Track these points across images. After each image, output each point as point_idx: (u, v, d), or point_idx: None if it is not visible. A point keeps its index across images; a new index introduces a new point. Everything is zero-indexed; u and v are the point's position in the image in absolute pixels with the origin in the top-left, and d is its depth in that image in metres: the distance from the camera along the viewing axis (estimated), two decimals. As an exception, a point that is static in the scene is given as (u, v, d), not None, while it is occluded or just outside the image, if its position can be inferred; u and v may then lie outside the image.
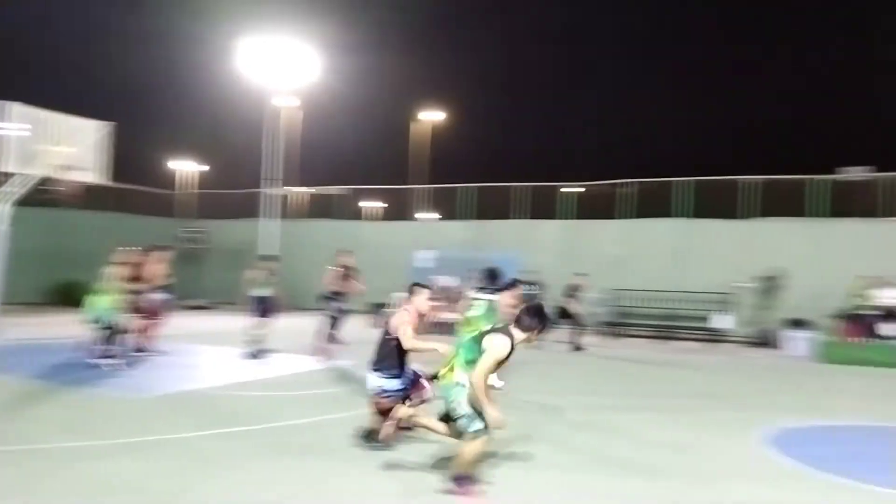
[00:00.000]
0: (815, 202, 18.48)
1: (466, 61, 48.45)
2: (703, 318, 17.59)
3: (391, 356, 6.01)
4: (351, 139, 38.28)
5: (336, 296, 11.68)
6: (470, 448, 4.95)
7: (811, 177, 18.53)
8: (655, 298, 18.31)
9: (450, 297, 18.04)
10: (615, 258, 19.72)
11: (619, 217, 20.76)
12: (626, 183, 20.81)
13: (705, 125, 42.47)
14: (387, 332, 6.09)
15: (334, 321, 11.61)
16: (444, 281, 17.80)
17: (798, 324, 16.46)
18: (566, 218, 21.61)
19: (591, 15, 51.73)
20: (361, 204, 28.79)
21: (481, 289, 8.72)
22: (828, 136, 34.14)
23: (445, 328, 17.02)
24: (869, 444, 7.24)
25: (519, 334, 5.07)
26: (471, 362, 4.97)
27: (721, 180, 19.67)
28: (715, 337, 17.32)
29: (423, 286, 6.40)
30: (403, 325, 5.98)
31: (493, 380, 6.59)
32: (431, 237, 21.54)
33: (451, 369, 5.11)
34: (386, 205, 28.91)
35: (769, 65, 52.40)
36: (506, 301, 8.48)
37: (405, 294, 6.47)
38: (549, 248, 20.53)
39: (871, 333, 14.40)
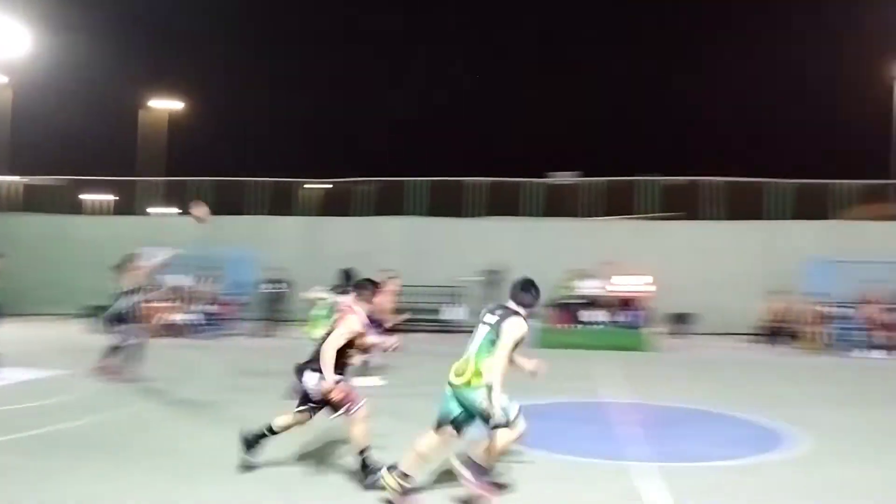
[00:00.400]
0: (530, 203, 20.56)
1: (212, 51, 46.05)
2: (436, 311, 18.65)
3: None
4: (73, 125, 34.42)
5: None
6: (502, 440, 4.82)
7: (527, 180, 20.58)
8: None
9: (182, 297, 17.09)
10: (354, 254, 20.14)
11: (358, 214, 21.27)
12: (366, 181, 21.38)
13: (438, 128, 45.07)
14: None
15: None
16: (176, 280, 16.78)
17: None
18: (308, 214, 21.61)
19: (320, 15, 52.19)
20: (83, 197, 26.06)
21: (334, 288, 8.67)
22: (541, 143, 38.00)
23: (176, 330, 16.22)
24: (571, 419, 8.20)
25: (523, 313, 5.07)
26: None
27: (452, 181, 21.06)
28: (447, 328, 18.40)
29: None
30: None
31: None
32: (163, 233, 20.17)
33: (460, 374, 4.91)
34: (116, 198, 26.48)
35: (497, 76, 57.00)
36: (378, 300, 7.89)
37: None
38: (290, 244, 20.35)
39: (577, 320, 16.36)
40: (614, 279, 16.66)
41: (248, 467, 5.50)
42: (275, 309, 17.43)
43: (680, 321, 18.42)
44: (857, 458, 6.55)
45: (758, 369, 13.09)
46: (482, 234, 20.10)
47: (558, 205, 20.26)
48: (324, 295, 8.91)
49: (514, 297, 5.27)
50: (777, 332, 16.78)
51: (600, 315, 16.58)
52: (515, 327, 4.99)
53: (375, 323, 9.73)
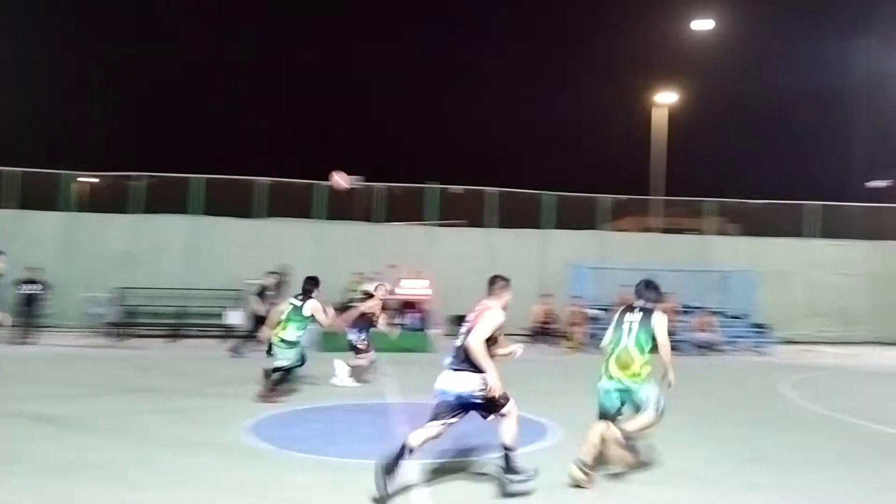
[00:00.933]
0: (317, 205, 20.35)
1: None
2: (218, 315, 17.79)
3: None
4: None
5: None
6: (647, 422, 5.79)
7: (316, 182, 20.34)
8: (167, 296, 17.88)
9: None
10: (125, 255, 18.67)
11: (130, 211, 19.73)
12: (139, 176, 19.86)
13: (220, 124, 43.24)
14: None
15: None
16: None
17: (302, 317, 17.96)
18: (69, 210, 19.64)
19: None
20: None
21: (297, 295, 9.48)
22: (330, 146, 37.94)
23: None
24: (337, 421, 8.17)
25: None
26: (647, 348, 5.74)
27: (237, 179, 20.26)
28: (228, 333, 17.63)
29: None
30: None
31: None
32: None
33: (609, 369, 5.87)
34: None
35: (292, 74, 55.88)
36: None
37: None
38: (48, 242, 18.39)
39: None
40: (398, 282, 17.02)
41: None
42: (30, 313, 15.64)
43: (460, 322, 19.22)
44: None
45: (526, 368, 14.01)
46: (266, 235, 19.56)
47: (346, 207, 20.25)
48: (294, 302, 9.46)
49: (642, 296, 6.16)
50: (542, 333, 18.13)
51: (387, 318, 16.80)
52: (664, 321, 5.88)
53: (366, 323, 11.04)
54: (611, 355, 5.93)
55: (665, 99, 31.95)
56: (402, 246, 19.51)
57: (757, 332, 18.68)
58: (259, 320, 13.33)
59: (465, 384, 5.40)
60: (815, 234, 22.01)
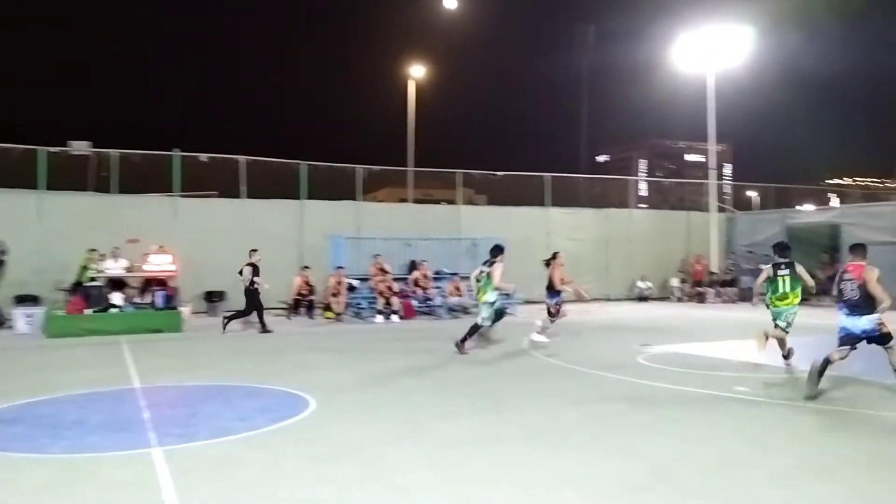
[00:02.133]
0: (39, 174, 17.97)
1: None
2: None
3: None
4: None
5: None
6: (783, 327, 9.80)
7: (42, 148, 17.93)
8: None
9: None
10: None
11: None
12: None
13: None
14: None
15: None
16: None
17: (25, 300, 15.86)
18: None
19: None
20: None
21: (485, 262, 11.67)
22: (57, 109, 33.91)
23: None
24: (67, 413, 7.30)
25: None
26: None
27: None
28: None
29: None
30: None
31: None
32: None
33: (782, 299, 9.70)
34: None
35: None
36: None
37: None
38: None
39: (102, 303, 14.88)
40: (143, 258, 15.72)
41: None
42: None
43: (212, 299, 18.32)
44: (357, 416, 7.25)
45: (285, 340, 13.72)
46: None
47: (73, 178, 18.09)
48: (484, 268, 11.55)
49: (781, 254, 9.90)
50: (300, 304, 17.88)
51: (126, 297, 15.49)
52: (802, 268, 9.74)
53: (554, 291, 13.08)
54: (774, 293, 9.71)
55: (418, 73, 32.97)
56: (144, 219, 17.99)
57: (503, 294, 20.06)
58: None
59: (867, 323, 7.79)
60: (551, 203, 24.08)
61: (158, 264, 15.72)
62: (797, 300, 9.66)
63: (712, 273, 24.22)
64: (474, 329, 11.50)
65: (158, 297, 15.33)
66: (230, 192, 19.73)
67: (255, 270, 14.97)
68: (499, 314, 11.74)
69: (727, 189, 32.82)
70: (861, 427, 6.55)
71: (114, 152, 18.22)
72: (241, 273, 15.05)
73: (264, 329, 14.77)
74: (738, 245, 25.15)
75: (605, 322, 17.38)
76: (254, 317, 14.99)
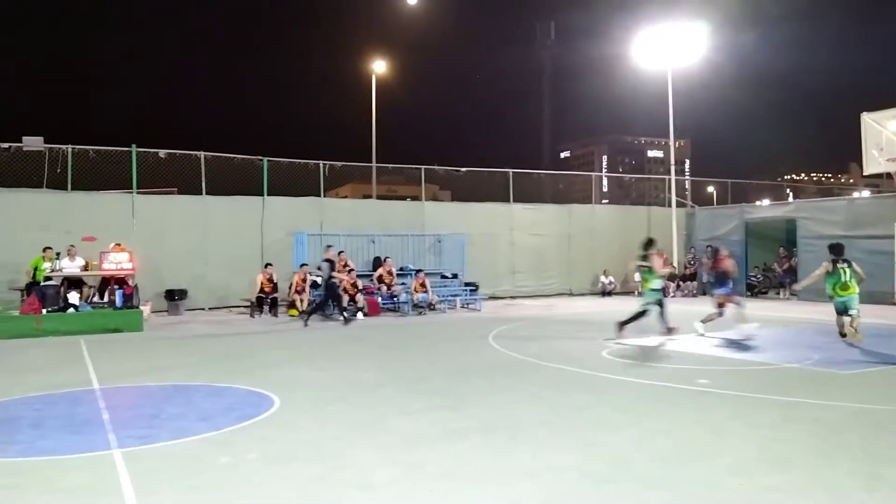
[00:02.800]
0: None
1: None
2: None
3: None
4: None
5: None
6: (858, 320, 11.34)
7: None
8: None
9: None
10: None
11: None
12: None
13: None
14: None
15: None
16: None
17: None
18: None
19: None
20: None
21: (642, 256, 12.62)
22: (5, 106, 33.00)
23: None
24: (21, 416, 7.15)
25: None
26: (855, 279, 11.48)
27: None
28: None
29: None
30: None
31: None
32: None
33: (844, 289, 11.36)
34: None
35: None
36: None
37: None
38: None
39: (58, 303, 14.51)
40: (101, 257, 15.39)
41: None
42: None
43: (173, 297, 18.03)
44: (321, 413, 7.21)
45: (250, 339, 13.57)
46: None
47: (22, 174, 17.55)
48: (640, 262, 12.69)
49: (839, 253, 11.59)
50: (263, 302, 17.68)
51: (84, 296, 15.18)
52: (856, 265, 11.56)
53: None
54: (836, 284, 11.41)
55: (380, 69, 32.85)
56: (100, 216, 17.61)
57: (468, 289, 20.14)
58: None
59: None
60: (514, 199, 24.17)
61: (116, 263, 15.41)
62: (856, 290, 11.43)
63: (673, 267, 24.59)
64: (639, 315, 12.66)
65: (117, 296, 15.03)
66: (190, 188, 19.40)
67: (332, 265, 16.26)
68: (658, 302, 12.69)
69: (687, 184, 33.36)
70: (818, 416, 6.72)
71: (68, 148, 17.77)
72: (319, 269, 16.55)
73: (346, 320, 15.84)
74: (698, 239, 25.57)
75: (568, 316, 17.53)
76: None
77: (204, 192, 19.25)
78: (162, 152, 18.77)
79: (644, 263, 12.71)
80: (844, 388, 8.16)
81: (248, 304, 17.92)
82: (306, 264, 18.08)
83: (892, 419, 6.61)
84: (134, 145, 18.34)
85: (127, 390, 8.53)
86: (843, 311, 11.52)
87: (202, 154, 19.25)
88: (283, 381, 8.69)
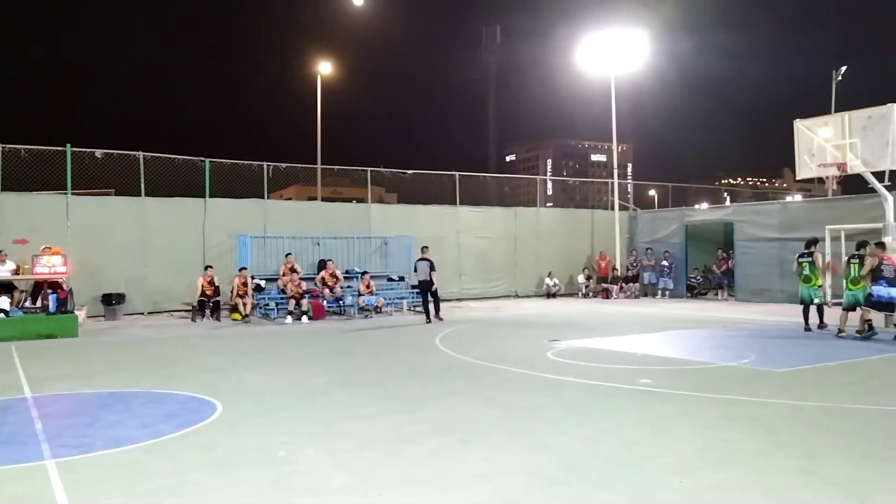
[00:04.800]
0: None
1: None
2: None
3: None
4: None
5: None
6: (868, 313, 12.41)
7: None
8: None
9: None
10: None
11: None
12: None
13: None
14: None
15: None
16: None
17: None
18: None
19: None
20: None
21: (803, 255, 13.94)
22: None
23: None
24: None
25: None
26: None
27: None
28: None
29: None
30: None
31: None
32: None
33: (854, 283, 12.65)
34: None
35: None
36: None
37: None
38: None
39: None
40: (33, 260, 14.82)
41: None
42: None
43: (110, 302, 17.48)
44: (267, 418, 7.09)
45: (191, 343, 13.25)
46: None
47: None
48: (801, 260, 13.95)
49: (859, 249, 12.85)
50: (205, 306, 17.29)
51: (14, 301, 14.59)
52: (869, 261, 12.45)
53: None
54: (849, 278, 12.68)
55: (326, 70, 32.57)
56: (32, 218, 16.94)
57: (415, 292, 20.07)
58: None
59: None
60: (460, 201, 24.24)
61: (49, 266, 14.86)
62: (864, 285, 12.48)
63: (615, 269, 25.05)
64: (821, 310, 13.87)
65: (50, 300, 14.48)
66: (128, 189, 18.82)
67: (432, 265, 16.84)
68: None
69: (629, 188, 34.03)
70: (756, 414, 6.92)
71: (12, 147, 17.04)
72: (415, 270, 17.34)
73: (435, 316, 16.80)
74: (640, 242, 26.11)
75: (514, 318, 17.67)
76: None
77: (143, 193, 18.72)
78: (98, 152, 18.18)
79: (804, 260, 13.85)
80: (780, 386, 8.43)
81: (190, 308, 17.50)
82: (245, 268, 17.78)
83: (824, 415, 6.87)
84: (69, 144, 17.73)
85: (61, 398, 8.22)
86: (853, 306, 12.36)
87: (141, 154, 18.72)
88: (227, 387, 8.51)
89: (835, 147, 14.78)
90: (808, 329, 13.76)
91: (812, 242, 14.25)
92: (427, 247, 17.60)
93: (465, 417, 6.93)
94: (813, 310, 13.93)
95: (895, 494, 4.66)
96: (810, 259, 13.81)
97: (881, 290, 12.11)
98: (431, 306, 16.92)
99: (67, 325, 14.12)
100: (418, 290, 17.56)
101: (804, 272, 13.81)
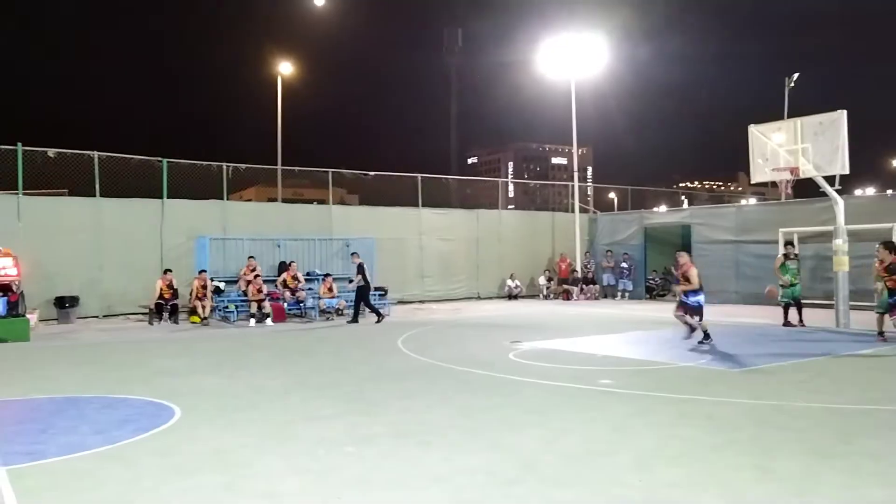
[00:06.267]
0: None
1: None
2: None
3: None
4: None
5: None
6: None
7: None
8: None
9: None
10: None
11: None
12: None
13: None
14: None
15: None
16: None
17: None
18: None
19: None
20: None
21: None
22: None
23: None
24: None
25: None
26: None
27: None
28: None
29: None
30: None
31: None
32: None
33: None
34: None
35: None
36: None
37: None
38: None
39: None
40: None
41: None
42: None
43: (63, 305, 17.07)
44: (224, 422, 7.00)
45: (145, 347, 13.01)
46: None
47: None
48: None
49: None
50: (163, 309, 16.98)
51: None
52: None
53: None
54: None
55: (286, 70, 32.27)
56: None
57: (377, 294, 20.02)
58: None
59: None
60: (423, 203, 24.24)
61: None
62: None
63: (575, 271, 25.32)
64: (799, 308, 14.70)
65: (0, 303, 14.08)
66: (83, 190, 18.39)
67: (361, 268, 16.97)
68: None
69: (589, 191, 34.43)
70: (711, 412, 7.06)
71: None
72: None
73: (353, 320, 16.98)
74: (600, 244, 26.42)
75: (476, 320, 17.74)
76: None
77: (98, 193, 18.32)
78: (51, 151, 17.74)
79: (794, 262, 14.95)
80: (735, 385, 8.61)
81: (147, 311, 17.18)
82: (205, 271, 17.51)
83: (777, 414, 7.03)
84: (19, 143, 17.28)
85: (11, 404, 7.99)
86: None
87: (96, 154, 18.32)
88: (185, 391, 8.38)
89: (788, 152, 15.15)
90: (788, 325, 14.72)
91: (789, 243, 15.81)
92: (356, 252, 17.88)
93: (423, 418, 6.93)
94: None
95: (842, 488, 4.80)
96: (796, 260, 15.26)
97: None
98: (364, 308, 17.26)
99: (19, 329, 13.74)
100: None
101: (788, 273, 14.81)
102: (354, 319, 17.03)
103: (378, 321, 16.81)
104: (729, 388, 8.33)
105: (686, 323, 12.15)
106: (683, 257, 12.53)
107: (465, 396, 7.98)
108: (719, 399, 7.67)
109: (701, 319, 12.00)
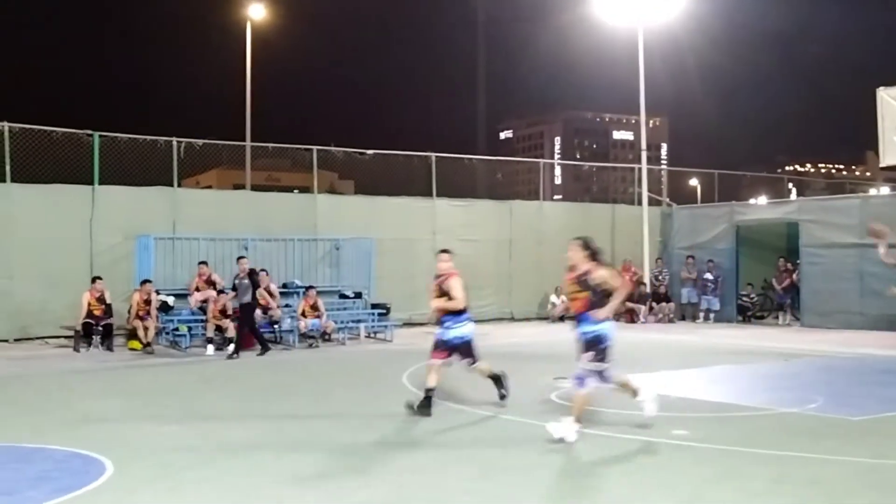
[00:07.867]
0: None
1: None
2: None
3: None
4: None
5: None
6: None
7: None
8: None
9: None
10: None
11: None
12: None
13: None
14: None
15: None
16: None
17: None
18: None
19: None
20: None
21: None
22: None
23: None
24: None
25: None
26: None
27: None
28: None
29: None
30: None
31: None
32: None
33: None
34: None
35: None
36: None
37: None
38: None
39: None
40: None
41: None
42: None
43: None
44: (170, 482, 7.10)
45: (69, 382, 13.19)
46: None
47: None
48: None
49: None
50: (92, 331, 17.12)
51: None
52: None
53: None
54: None
55: (258, 14, 32.41)
56: None
57: (376, 313, 20.13)
58: None
59: None
60: (438, 192, 24.20)
61: None
62: None
63: (643, 284, 25.18)
64: None
65: None
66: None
67: (255, 282, 16.55)
68: None
69: (663, 176, 34.33)
70: (816, 476, 7.05)
71: None
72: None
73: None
74: (676, 248, 26.28)
75: (507, 348, 17.73)
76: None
77: (8, 178, 18.56)
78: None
79: None
80: (851, 438, 8.58)
81: (72, 333, 17.40)
82: (149, 281, 17.65)
83: (911, 478, 7.01)
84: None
85: None
86: None
87: (6, 125, 18.59)
88: (119, 441, 8.48)
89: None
90: None
91: None
92: (244, 257, 17.25)
93: (434, 481, 6.99)
94: None
95: None
96: None
97: None
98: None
99: None
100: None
101: None
102: (235, 353, 16.23)
103: (261, 353, 16.40)
104: (842, 443, 8.31)
105: None
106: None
107: (489, 452, 8.02)
108: (829, 457, 7.65)
109: None
